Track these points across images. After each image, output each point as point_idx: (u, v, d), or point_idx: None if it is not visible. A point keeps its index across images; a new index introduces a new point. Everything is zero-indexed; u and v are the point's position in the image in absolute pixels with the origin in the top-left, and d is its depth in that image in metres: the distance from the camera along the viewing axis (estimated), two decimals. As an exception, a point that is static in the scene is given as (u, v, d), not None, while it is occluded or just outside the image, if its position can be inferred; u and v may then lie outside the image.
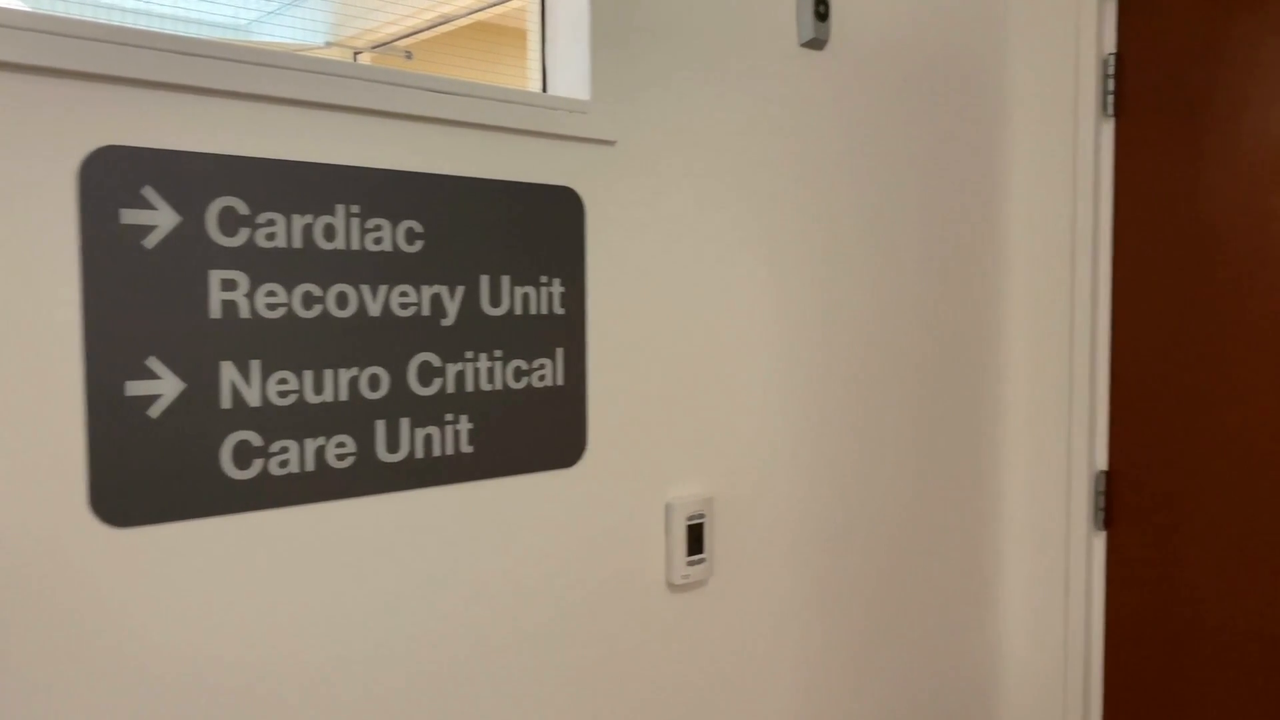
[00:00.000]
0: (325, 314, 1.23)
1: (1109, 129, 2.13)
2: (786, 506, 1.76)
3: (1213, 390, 2.00)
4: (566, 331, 1.44)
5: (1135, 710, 2.13)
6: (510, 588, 1.41)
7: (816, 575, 1.83)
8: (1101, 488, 2.16)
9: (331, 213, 1.23)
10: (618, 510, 1.52)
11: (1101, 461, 2.16)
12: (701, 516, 1.61)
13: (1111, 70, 2.11)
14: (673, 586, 1.60)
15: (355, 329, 1.25)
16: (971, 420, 2.14)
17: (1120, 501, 2.14)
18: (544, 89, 1.54)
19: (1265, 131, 1.92)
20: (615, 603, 1.53)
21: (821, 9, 1.74)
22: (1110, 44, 2.11)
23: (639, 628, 1.56)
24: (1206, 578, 2.02)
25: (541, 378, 1.41)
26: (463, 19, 3.37)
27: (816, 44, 1.76)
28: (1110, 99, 2.11)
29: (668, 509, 1.58)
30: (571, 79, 1.48)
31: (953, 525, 2.11)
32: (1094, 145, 2.11)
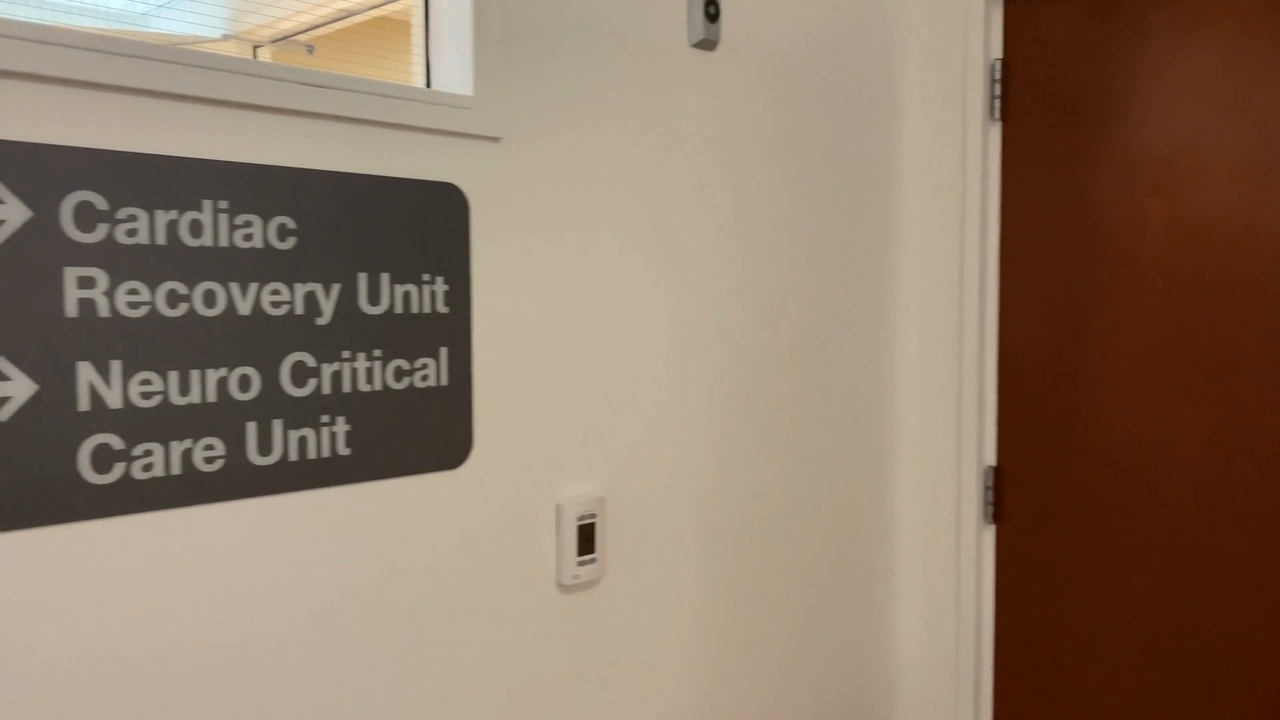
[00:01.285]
0: (191, 313, 1.19)
1: (996, 133, 2.18)
2: (680, 505, 1.77)
3: (1094, 386, 2.07)
4: (450, 330, 1.42)
5: (1025, 697, 2.19)
6: (392, 592, 1.38)
7: (710, 574, 1.83)
8: (990, 483, 2.21)
9: (198, 208, 1.19)
10: (506, 511, 1.51)
11: (990, 457, 2.21)
12: (593, 516, 1.61)
13: (998, 76, 2.16)
14: (563, 587, 1.59)
15: (224, 328, 1.21)
16: (864, 418, 2.17)
17: (1009, 496, 2.20)
18: (428, 84, 1.52)
19: (1141, 136, 2.00)
20: (504, 605, 1.51)
21: (712, 10, 1.75)
22: (997, 50, 2.17)
23: (529, 630, 1.54)
24: (1091, 568, 2.09)
25: (424, 378, 1.39)
26: (365, 13, 3.32)
27: (707, 45, 1.76)
28: (997, 104, 2.17)
29: (558, 509, 1.57)
30: (455, 75, 1.46)
31: (847, 521, 2.14)
32: (981, 149, 2.16)
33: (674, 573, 1.76)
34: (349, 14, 3.52)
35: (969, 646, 2.21)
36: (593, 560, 1.61)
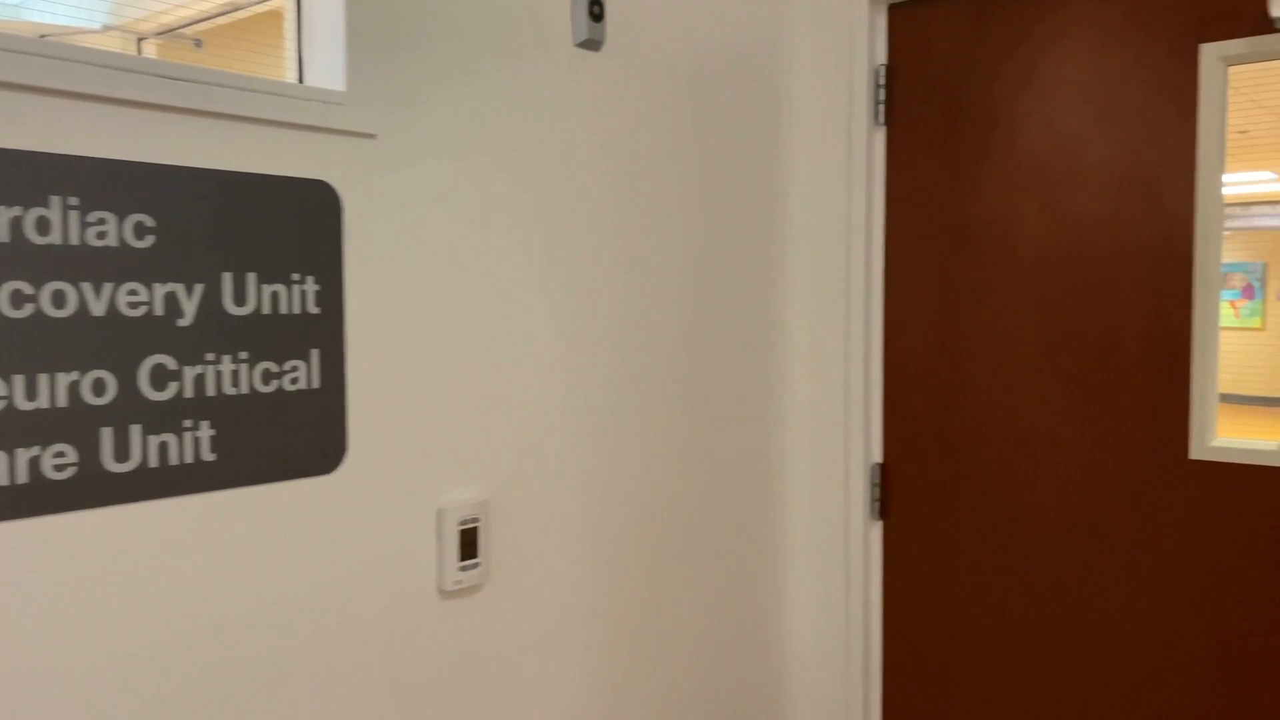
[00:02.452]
0: (38, 313, 1.13)
1: (881, 137, 2.23)
2: (567, 507, 1.76)
3: (974, 383, 2.13)
4: (322, 332, 1.38)
5: (913, 688, 2.24)
6: (263, 602, 1.34)
7: (599, 575, 1.83)
8: (877, 480, 2.26)
9: (45, 205, 1.14)
10: (384, 517, 1.48)
11: (877, 454, 2.26)
12: (476, 521, 1.58)
13: (882, 81, 2.21)
14: (445, 593, 1.56)
15: (75, 330, 1.16)
16: (754, 418, 2.19)
17: (895, 492, 2.24)
18: (300, 80, 1.48)
19: (1018, 140, 2.06)
20: (382, 612, 1.48)
21: (596, 10, 1.74)
22: (881, 56, 2.22)
23: (409, 637, 1.51)
24: (974, 560, 2.15)
25: (294, 380, 1.36)
26: (253, 7, 3.23)
27: (592, 45, 1.76)
28: (881, 109, 2.21)
29: (439, 514, 1.54)
30: (327, 70, 1.43)
31: (737, 521, 2.16)
32: (866, 153, 2.21)
33: (562, 575, 1.75)
34: (236, 7, 3.42)
35: (858, 640, 2.25)
36: (476, 565, 1.59)
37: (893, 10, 2.20)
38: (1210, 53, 1.84)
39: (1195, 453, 1.88)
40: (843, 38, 2.22)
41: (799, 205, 2.29)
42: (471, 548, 1.58)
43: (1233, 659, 1.86)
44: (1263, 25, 1.80)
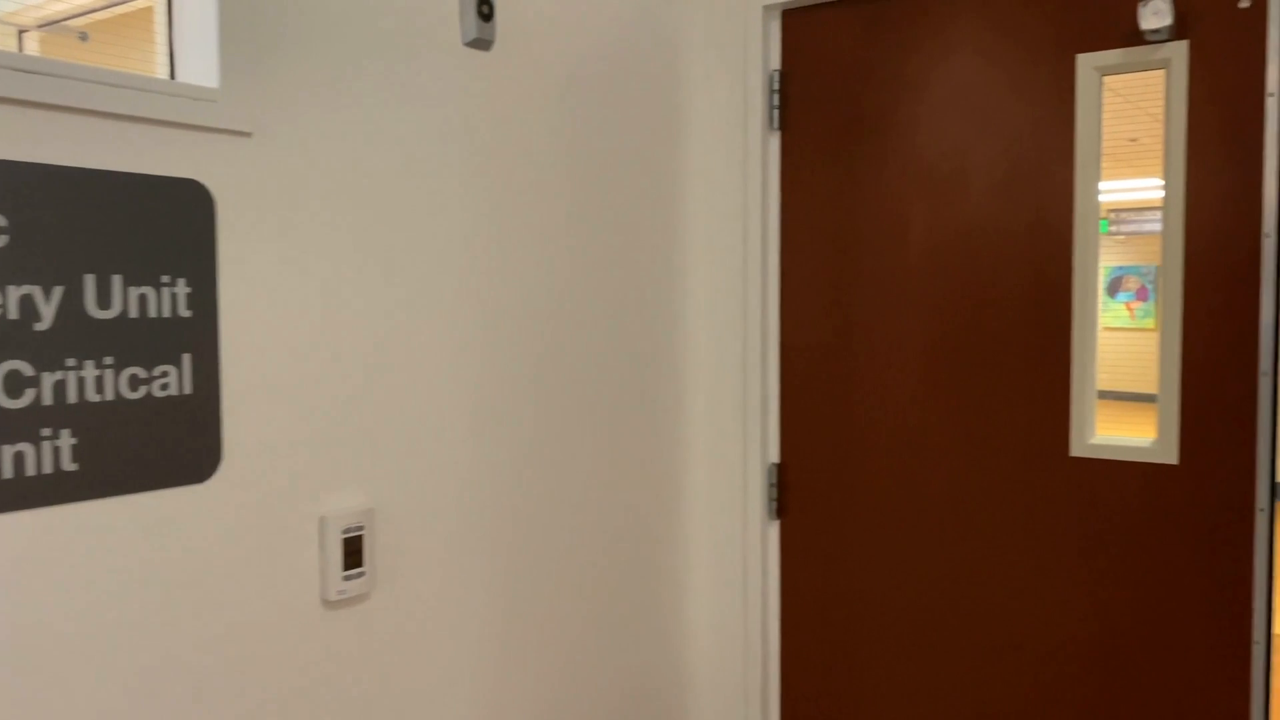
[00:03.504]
0: (-123, 318, 1.07)
1: (775, 141, 2.25)
2: (459, 513, 1.73)
3: (866, 383, 2.17)
4: (194, 336, 1.34)
5: (810, 684, 2.27)
6: (134, 616, 1.29)
7: (493, 581, 1.81)
8: (774, 479, 2.28)
9: (-116, 202, 1.08)
10: (262, 526, 1.43)
11: (774, 455, 2.28)
12: (361, 528, 1.55)
13: (776, 86, 2.23)
14: (329, 603, 1.53)
15: (-82, 335, 1.10)
16: (652, 419, 2.20)
17: (792, 491, 2.27)
18: (172, 76, 1.43)
19: (908, 145, 2.10)
20: (262, 624, 1.44)
21: (485, 9, 1.72)
22: (775, 61, 2.24)
23: (292, 649, 1.47)
24: (866, 556, 2.18)
25: (164, 386, 1.31)
26: (134, 1, 3.12)
27: (481, 44, 1.74)
28: (776, 113, 2.24)
29: (322, 522, 1.51)
30: (200, 66, 1.38)
31: (635, 522, 2.16)
32: (761, 157, 2.23)
33: (453, 581, 1.73)
34: (115, 1, 3.29)
35: (756, 636, 2.27)
36: (361, 574, 1.55)
37: (786, 17, 2.23)
38: (1086, 63, 1.91)
39: (1075, 450, 1.94)
40: (737, 43, 2.24)
41: (696, 208, 2.30)
42: (357, 556, 1.54)
43: (1109, 646, 1.93)
44: (1134, 37, 1.87)
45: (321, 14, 1.49)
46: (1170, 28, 1.81)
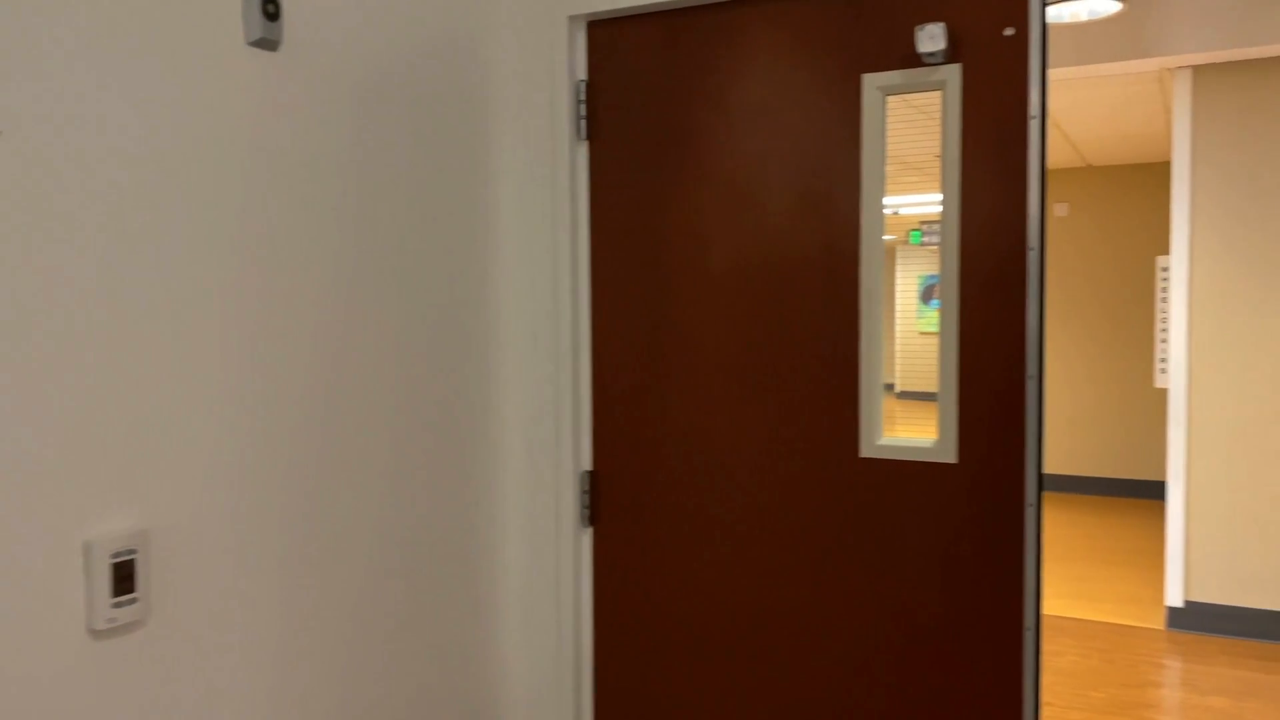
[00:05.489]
0: None
1: (584, 152, 2.27)
2: (245, 531, 1.66)
3: (676, 390, 2.20)
4: (-70, 351, 1.23)
5: (624, 692, 2.29)
6: None
7: (286, 601, 1.74)
8: (587, 487, 2.29)
9: None
10: (17, 553, 1.33)
11: (587, 462, 2.29)
12: (133, 552, 1.46)
13: (583, 96, 2.25)
14: (97, 633, 1.43)
15: None
16: (462, 428, 2.17)
17: (604, 499, 2.29)
18: (-95, 67, 1.31)
19: (710, 158, 2.15)
20: (20, 659, 1.33)
21: (271, 8, 1.66)
22: (582, 71, 2.26)
23: (54, 683, 1.37)
24: (677, 562, 2.22)
25: (-107, 406, 1.20)
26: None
27: (267, 44, 1.68)
28: (583, 123, 2.25)
29: (86, 547, 1.41)
30: (-64, 58, 1.28)
31: (443, 532, 2.12)
32: (570, 167, 2.24)
33: (240, 603, 1.65)
34: None
35: (569, 647, 2.27)
36: (134, 600, 1.46)
37: (592, 28, 2.25)
38: (870, 82, 2.00)
39: (865, 451, 2.03)
40: (544, 52, 2.25)
41: (507, 215, 2.29)
42: (129, 582, 1.46)
43: (899, 637, 2.03)
44: (913, 60, 1.98)
45: (80, 5, 1.40)
46: (944, 51, 1.93)
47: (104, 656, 1.44)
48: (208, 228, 1.59)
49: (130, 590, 1.46)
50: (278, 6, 1.68)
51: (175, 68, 1.53)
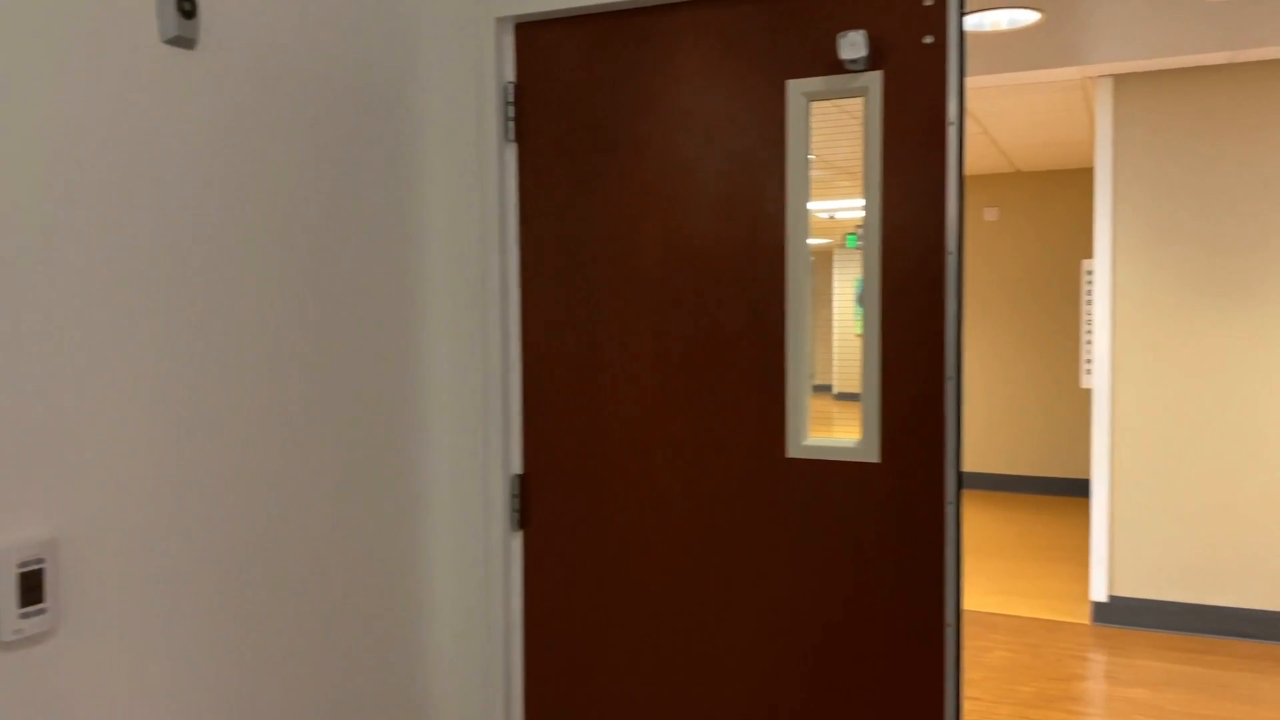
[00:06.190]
0: None
1: (512, 153, 2.26)
2: (162, 540, 1.63)
3: (605, 392, 2.21)
4: None
5: (554, 691, 2.29)
6: None
7: (207, 610, 1.71)
8: (516, 490, 2.28)
9: None
10: (-85, 564, 1.29)
11: (517, 466, 2.29)
12: (41, 561, 1.43)
13: (511, 98, 2.25)
14: (3, 644, 1.39)
15: None
16: (390, 432, 2.15)
17: (534, 502, 2.28)
18: None
19: (639, 161, 2.16)
20: (-83, 673, 1.29)
21: (187, 6, 1.64)
22: (510, 73, 2.25)
23: (-45, 698, 1.34)
24: (605, 565, 2.22)
25: None
26: None
27: (183, 42, 1.65)
28: (511, 125, 2.25)
29: (-8, 556, 1.37)
30: None
31: (370, 538, 2.10)
32: (498, 169, 2.23)
33: (157, 615, 1.62)
34: None
35: (498, 651, 2.27)
36: (42, 610, 1.43)
37: (519, 30, 2.25)
38: (794, 88, 2.03)
39: (791, 451, 2.06)
40: (471, 54, 2.24)
41: (435, 217, 2.27)
42: (37, 592, 1.42)
43: (824, 635, 2.06)
44: (837, 66, 2.01)
45: (-15, 2, 1.37)
46: (866, 58, 1.96)
47: (11, 668, 1.40)
48: (117, 229, 1.56)
49: (39, 600, 1.42)
50: (194, 4, 1.65)
51: (84, 64, 1.50)
